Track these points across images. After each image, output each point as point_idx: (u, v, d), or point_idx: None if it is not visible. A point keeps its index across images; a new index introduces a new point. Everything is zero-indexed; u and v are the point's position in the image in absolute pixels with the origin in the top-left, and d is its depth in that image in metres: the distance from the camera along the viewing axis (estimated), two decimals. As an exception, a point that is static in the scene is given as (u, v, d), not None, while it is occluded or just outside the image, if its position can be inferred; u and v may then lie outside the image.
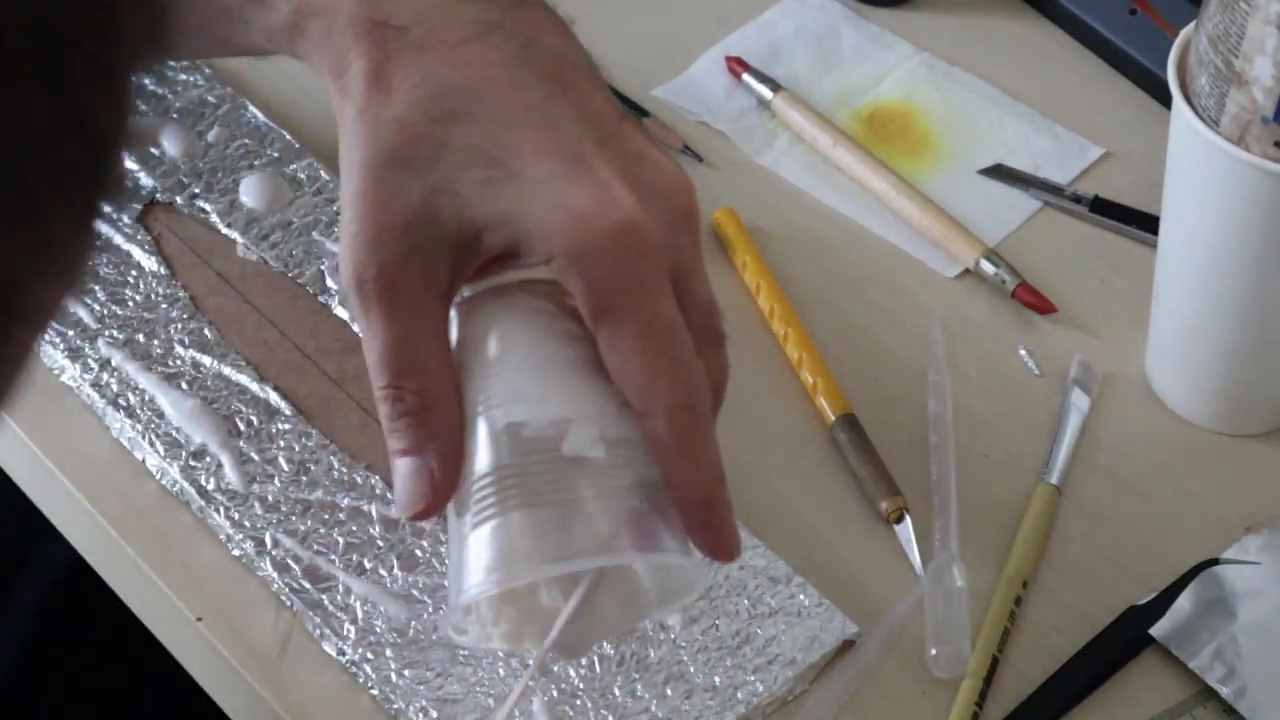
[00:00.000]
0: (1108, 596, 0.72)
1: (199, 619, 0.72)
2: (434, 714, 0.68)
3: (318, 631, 0.71)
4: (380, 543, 0.73)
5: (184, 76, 0.90)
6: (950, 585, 0.72)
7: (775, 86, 0.91)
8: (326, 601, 0.71)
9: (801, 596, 0.72)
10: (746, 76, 0.91)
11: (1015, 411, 0.79)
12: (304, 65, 0.92)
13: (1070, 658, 0.70)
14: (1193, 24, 0.72)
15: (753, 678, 0.69)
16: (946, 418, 0.77)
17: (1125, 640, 0.71)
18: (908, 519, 0.74)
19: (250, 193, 0.85)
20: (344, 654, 0.70)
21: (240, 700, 0.72)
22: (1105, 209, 0.86)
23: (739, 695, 0.69)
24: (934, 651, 0.70)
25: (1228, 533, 0.74)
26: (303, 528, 0.73)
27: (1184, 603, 0.71)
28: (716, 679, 0.69)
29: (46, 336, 0.79)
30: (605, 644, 0.70)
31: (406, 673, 0.69)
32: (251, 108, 0.89)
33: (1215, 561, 0.72)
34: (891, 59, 0.93)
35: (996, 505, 0.75)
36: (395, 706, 0.69)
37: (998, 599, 0.71)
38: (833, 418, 0.77)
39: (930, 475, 0.76)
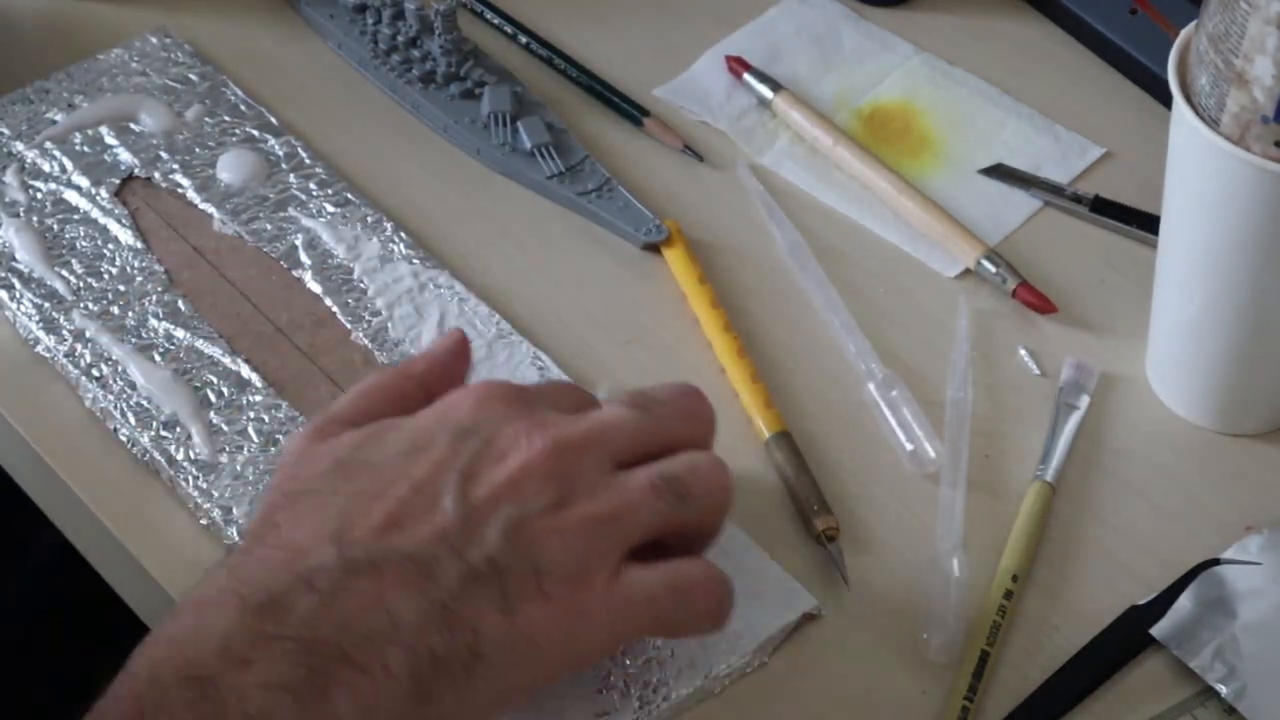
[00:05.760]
0: (1108, 596, 0.72)
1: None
2: None
3: None
4: None
5: (165, 54, 0.91)
6: (949, 574, 0.72)
7: (776, 86, 0.91)
8: None
9: (762, 569, 0.72)
10: (747, 76, 0.92)
11: (1015, 411, 0.79)
12: (282, 45, 0.93)
13: (1070, 658, 0.70)
14: (1193, 23, 0.72)
15: (712, 648, 0.70)
16: (966, 406, 0.77)
17: (1125, 640, 0.71)
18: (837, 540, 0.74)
19: (228, 169, 0.86)
20: None
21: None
22: (1105, 209, 0.86)
23: (698, 666, 0.69)
24: (926, 635, 0.70)
25: (1228, 533, 0.74)
26: None
27: (1184, 602, 0.71)
28: (675, 650, 0.70)
29: (23, 308, 0.80)
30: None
31: None
32: (232, 85, 0.90)
33: (1216, 561, 0.72)
34: (892, 59, 0.93)
35: (997, 504, 0.75)
36: None
37: (989, 593, 0.72)
38: (767, 435, 0.77)
39: (940, 463, 0.76)
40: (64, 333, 0.80)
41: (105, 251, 0.83)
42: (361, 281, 0.82)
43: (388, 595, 0.61)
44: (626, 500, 0.64)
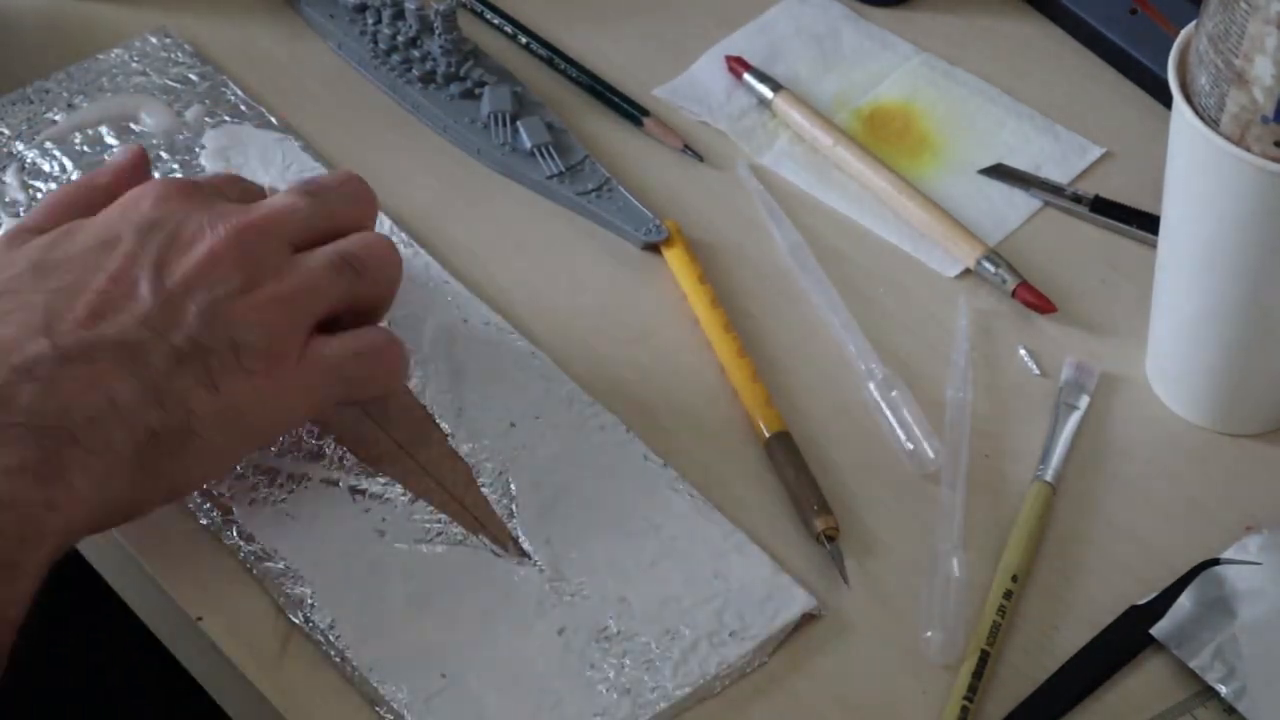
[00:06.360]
0: (1108, 596, 0.72)
1: (199, 618, 0.72)
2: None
3: (282, 599, 0.71)
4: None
5: (165, 54, 0.91)
6: (949, 574, 0.72)
7: (776, 86, 0.91)
8: (283, 567, 0.72)
9: (761, 569, 0.72)
10: (747, 76, 0.92)
11: (1015, 411, 0.79)
12: (282, 45, 0.92)
13: (1070, 658, 0.70)
14: (1193, 23, 0.72)
15: (712, 648, 0.70)
16: (967, 406, 0.77)
17: (1125, 640, 0.71)
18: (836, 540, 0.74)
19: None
20: (310, 622, 0.71)
21: (240, 694, 0.72)
22: (1105, 209, 0.86)
23: (698, 665, 0.69)
24: (928, 635, 0.70)
25: (1228, 533, 0.74)
26: (271, 497, 0.74)
27: (1184, 602, 0.71)
28: (675, 650, 0.70)
29: None
30: (565, 615, 0.70)
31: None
32: (232, 85, 0.90)
33: (1216, 561, 0.72)
34: (892, 59, 0.93)
35: (997, 504, 0.75)
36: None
37: (989, 593, 0.72)
38: (767, 435, 0.77)
39: (940, 463, 0.76)
40: None
41: (105, 251, 0.83)
42: None
43: (104, 379, 0.65)
44: (309, 278, 0.71)
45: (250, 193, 0.75)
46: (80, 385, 0.65)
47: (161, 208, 0.71)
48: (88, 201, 0.73)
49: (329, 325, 0.72)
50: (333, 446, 0.76)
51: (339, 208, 0.74)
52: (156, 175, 0.86)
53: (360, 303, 0.73)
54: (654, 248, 0.85)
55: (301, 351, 0.70)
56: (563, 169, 0.87)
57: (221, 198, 0.73)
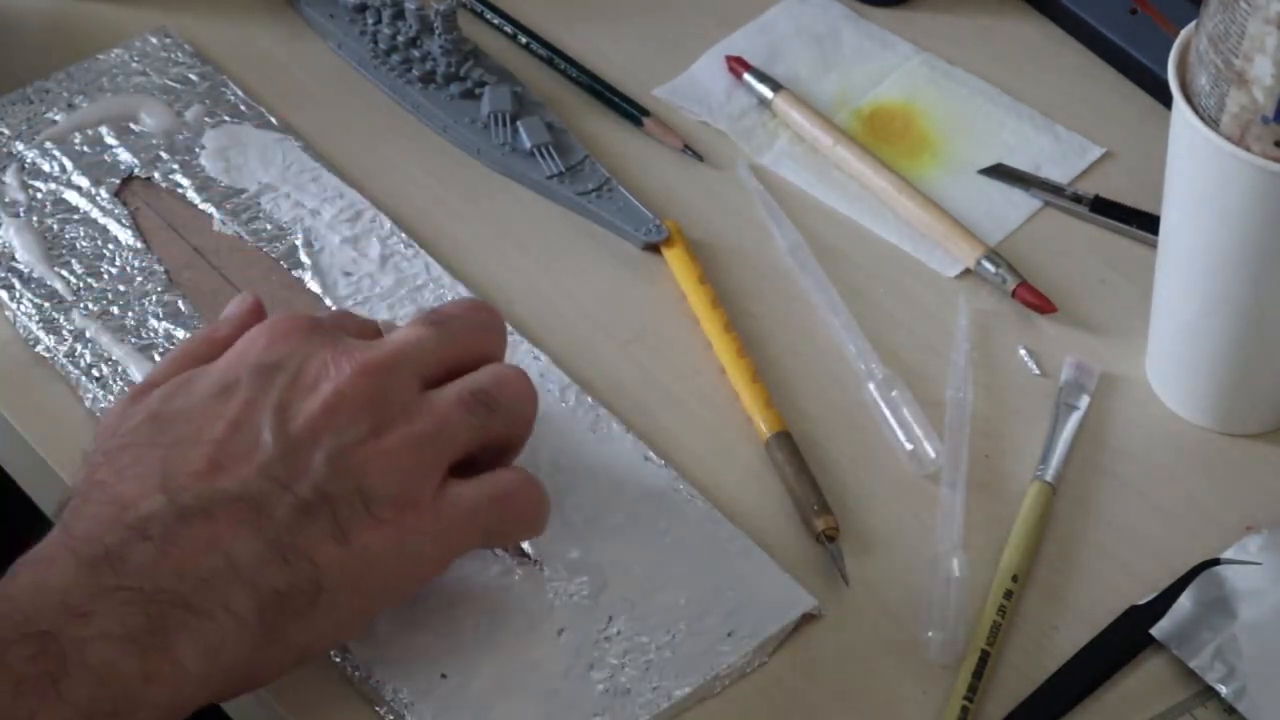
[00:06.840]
0: (1108, 596, 0.72)
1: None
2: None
3: None
4: None
5: (165, 54, 0.91)
6: (949, 574, 0.72)
7: (776, 86, 0.91)
8: None
9: (761, 569, 0.72)
10: (747, 76, 0.92)
11: (1015, 411, 0.79)
12: (282, 45, 0.92)
13: (1070, 658, 0.70)
14: (1193, 23, 0.72)
15: (712, 648, 0.70)
16: (966, 407, 0.77)
17: (1125, 640, 0.71)
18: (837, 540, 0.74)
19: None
20: None
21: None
22: (1105, 209, 0.86)
23: (698, 666, 0.69)
24: (928, 635, 0.70)
25: (1228, 533, 0.74)
26: None
27: (1184, 602, 0.71)
28: (675, 650, 0.70)
29: (23, 308, 0.80)
30: (565, 616, 0.71)
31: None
32: (232, 85, 0.90)
33: (1216, 561, 0.72)
34: (892, 59, 0.93)
35: (997, 504, 0.75)
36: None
37: (989, 593, 0.72)
38: (767, 435, 0.77)
39: (940, 463, 0.76)
40: (64, 333, 0.80)
41: (105, 251, 0.83)
42: (362, 282, 0.82)
43: (223, 538, 0.61)
44: (441, 418, 0.66)
45: (367, 329, 0.71)
46: (197, 545, 0.61)
47: (281, 347, 0.67)
48: (208, 355, 0.69)
49: (461, 467, 0.67)
50: None
51: (467, 338, 0.70)
52: (157, 177, 0.86)
53: (494, 441, 0.68)
54: (654, 248, 0.85)
55: (435, 498, 0.65)
56: (563, 169, 0.87)
57: (343, 333, 0.69)
